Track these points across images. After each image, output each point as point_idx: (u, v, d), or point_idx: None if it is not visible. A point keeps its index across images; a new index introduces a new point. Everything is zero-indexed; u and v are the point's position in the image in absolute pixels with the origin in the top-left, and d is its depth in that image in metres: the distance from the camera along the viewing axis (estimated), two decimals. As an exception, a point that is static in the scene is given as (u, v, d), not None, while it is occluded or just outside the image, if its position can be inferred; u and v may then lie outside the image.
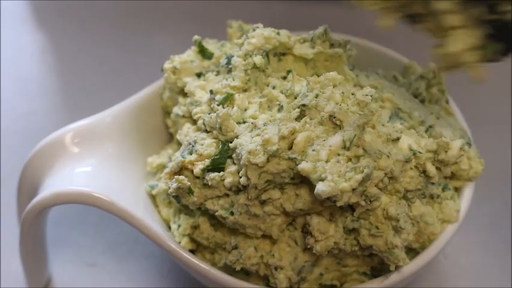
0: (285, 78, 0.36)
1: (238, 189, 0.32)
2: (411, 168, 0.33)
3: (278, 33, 0.36)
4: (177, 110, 0.37)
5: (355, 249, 0.32)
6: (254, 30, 0.36)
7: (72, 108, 0.53)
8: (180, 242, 0.34)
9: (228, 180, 0.32)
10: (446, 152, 0.34)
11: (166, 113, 0.39)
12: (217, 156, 0.32)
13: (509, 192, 0.44)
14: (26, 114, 0.53)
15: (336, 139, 0.30)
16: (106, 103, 0.52)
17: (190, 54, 0.38)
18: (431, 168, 0.33)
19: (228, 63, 0.36)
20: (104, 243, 0.44)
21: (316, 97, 0.32)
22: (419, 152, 0.33)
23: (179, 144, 0.36)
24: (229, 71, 0.36)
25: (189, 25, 0.58)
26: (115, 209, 0.33)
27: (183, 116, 0.37)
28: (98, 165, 0.35)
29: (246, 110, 0.34)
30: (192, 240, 0.35)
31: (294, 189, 0.31)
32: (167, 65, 0.38)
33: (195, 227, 0.34)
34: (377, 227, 0.32)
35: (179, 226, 0.35)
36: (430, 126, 0.35)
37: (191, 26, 0.58)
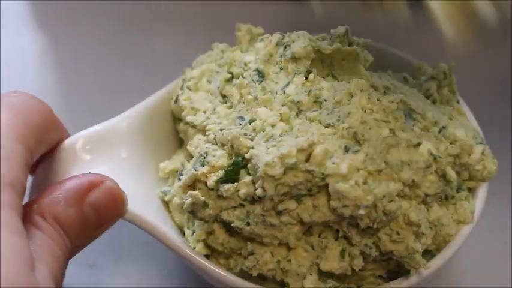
0: (306, 78, 0.35)
1: (254, 199, 0.31)
2: (431, 173, 0.32)
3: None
4: (191, 118, 0.37)
5: (375, 254, 0.32)
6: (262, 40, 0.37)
7: (72, 109, 0.53)
8: (195, 248, 0.34)
9: (243, 191, 0.31)
10: (470, 155, 0.33)
11: (177, 118, 0.38)
12: (231, 168, 0.32)
13: (509, 193, 0.44)
14: (26, 114, 0.53)
15: (359, 156, 0.30)
16: (106, 104, 0.52)
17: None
18: (451, 173, 0.33)
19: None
20: (104, 244, 0.43)
21: (338, 105, 0.32)
22: (439, 156, 0.32)
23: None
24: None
25: (191, 26, 0.58)
26: (131, 216, 0.33)
27: (193, 127, 0.36)
28: (110, 172, 0.34)
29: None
30: (207, 245, 0.34)
31: (311, 200, 0.31)
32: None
33: (210, 233, 0.34)
34: (398, 233, 0.31)
35: (193, 232, 0.34)
36: (444, 127, 0.34)
37: (193, 26, 0.57)
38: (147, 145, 0.37)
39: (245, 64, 0.37)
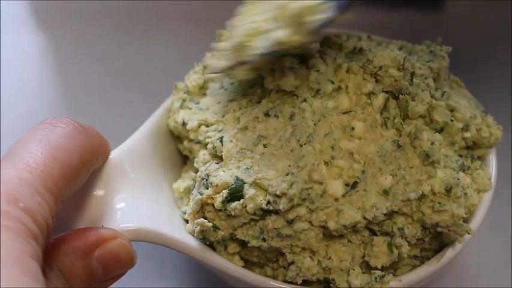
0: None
1: (263, 212, 0.31)
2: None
3: None
4: (194, 135, 0.36)
5: (418, 234, 0.32)
6: None
7: (72, 109, 0.54)
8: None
9: (250, 206, 0.31)
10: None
11: (177, 137, 0.38)
12: (234, 185, 0.31)
13: (509, 193, 0.44)
14: (26, 114, 0.53)
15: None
16: (106, 104, 0.53)
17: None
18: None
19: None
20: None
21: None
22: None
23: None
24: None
25: (188, 27, 0.58)
26: (170, 240, 0.32)
27: (198, 143, 0.35)
28: (129, 200, 0.33)
29: None
30: (241, 257, 0.34)
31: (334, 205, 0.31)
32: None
33: (243, 246, 0.33)
34: (439, 203, 0.31)
35: (226, 247, 0.34)
36: (445, 92, 0.35)
37: (191, 27, 0.57)
38: (157, 168, 0.37)
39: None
